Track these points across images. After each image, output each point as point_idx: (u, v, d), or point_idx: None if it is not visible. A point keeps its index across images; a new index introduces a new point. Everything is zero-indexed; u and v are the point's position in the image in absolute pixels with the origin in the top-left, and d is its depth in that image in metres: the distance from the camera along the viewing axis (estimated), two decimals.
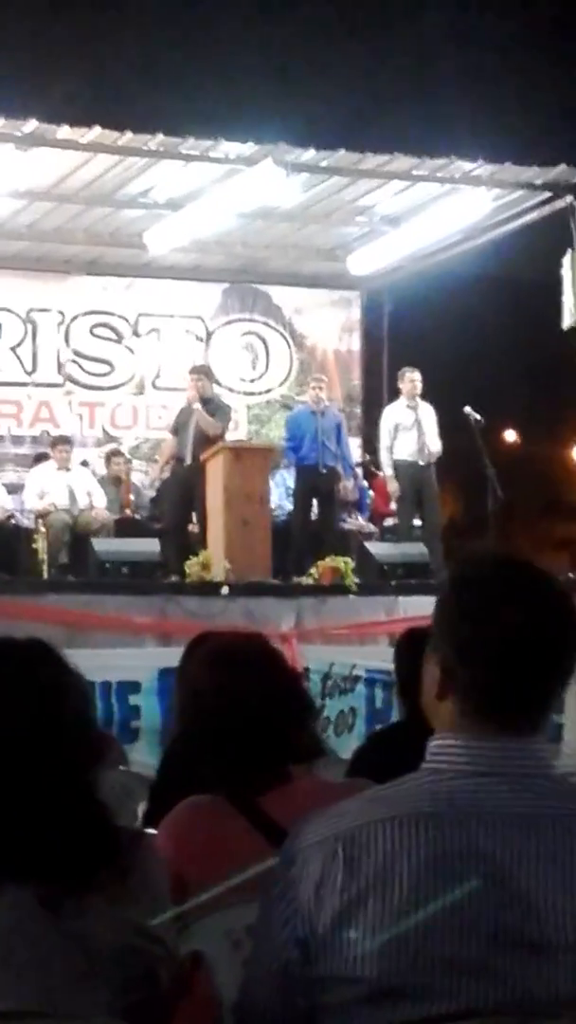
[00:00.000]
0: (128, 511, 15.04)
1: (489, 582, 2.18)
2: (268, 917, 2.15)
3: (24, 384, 16.46)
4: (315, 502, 14.46)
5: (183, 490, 13.84)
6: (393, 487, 14.59)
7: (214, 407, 14.02)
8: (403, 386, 14.72)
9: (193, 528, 13.88)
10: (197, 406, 13.82)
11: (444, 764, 2.14)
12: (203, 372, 14.53)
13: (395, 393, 15.09)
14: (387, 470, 14.66)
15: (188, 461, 13.66)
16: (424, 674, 2.21)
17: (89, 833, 2.48)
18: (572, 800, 2.16)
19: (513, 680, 2.13)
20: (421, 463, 14.39)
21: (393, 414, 14.69)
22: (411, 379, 14.65)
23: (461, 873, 2.06)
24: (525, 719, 2.15)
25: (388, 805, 2.13)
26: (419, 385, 14.61)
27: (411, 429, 14.42)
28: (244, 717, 3.29)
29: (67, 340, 16.61)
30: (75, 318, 16.63)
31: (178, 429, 14.10)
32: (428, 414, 14.55)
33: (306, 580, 13.01)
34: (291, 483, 14.72)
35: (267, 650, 3.56)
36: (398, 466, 14.43)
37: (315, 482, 14.33)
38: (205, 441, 13.52)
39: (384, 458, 14.67)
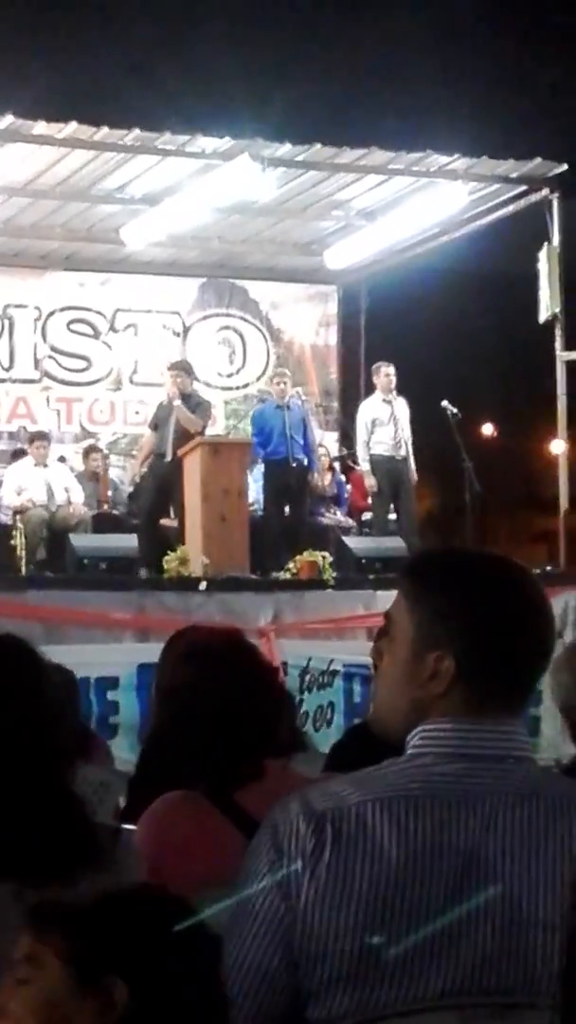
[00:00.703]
0: (106, 507, 15.02)
1: (486, 579, 2.22)
2: (250, 892, 2.13)
3: (1, 380, 16.43)
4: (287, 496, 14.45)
5: (162, 485, 13.81)
6: (370, 481, 14.59)
7: (194, 403, 13.98)
8: (378, 380, 14.72)
9: (171, 523, 13.86)
10: (178, 402, 13.75)
11: (431, 749, 2.16)
12: (183, 368, 14.44)
13: (372, 387, 15.09)
14: (364, 465, 14.66)
15: (168, 457, 13.62)
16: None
17: (67, 829, 2.48)
18: (555, 782, 2.21)
19: (519, 671, 2.21)
20: (398, 457, 14.40)
21: (369, 409, 14.69)
22: (386, 373, 14.65)
23: (445, 855, 2.07)
24: (518, 702, 2.22)
25: (377, 785, 2.14)
26: (394, 379, 14.62)
27: (387, 424, 14.43)
28: (221, 713, 3.29)
29: (44, 336, 16.57)
30: (52, 314, 16.59)
31: (158, 425, 14.05)
32: (403, 409, 14.56)
33: (284, 575, 13.00)
34: None
35: (244, 645, 3.57)
36: (374, 460, 14.43)
37: (286, 476, 14.29)
38: (185, 437, 13.48)
39: (361, 453, 14.67)
